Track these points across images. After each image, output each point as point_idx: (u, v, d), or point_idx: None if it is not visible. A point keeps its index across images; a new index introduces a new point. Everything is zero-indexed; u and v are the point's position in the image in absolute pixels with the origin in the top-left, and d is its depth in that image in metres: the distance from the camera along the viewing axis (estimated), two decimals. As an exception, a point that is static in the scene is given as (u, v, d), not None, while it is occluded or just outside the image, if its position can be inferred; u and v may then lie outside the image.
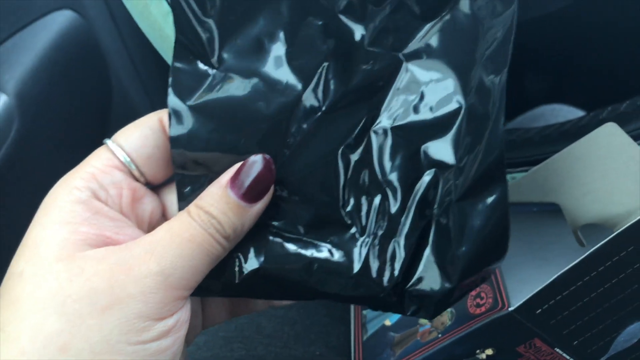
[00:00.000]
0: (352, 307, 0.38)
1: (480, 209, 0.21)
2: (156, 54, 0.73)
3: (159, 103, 0.72)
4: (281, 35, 0.22)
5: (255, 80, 0.22)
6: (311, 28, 0.22)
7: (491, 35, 0.22)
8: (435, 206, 0.21)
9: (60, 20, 0.53)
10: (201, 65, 0.22)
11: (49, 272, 0.19)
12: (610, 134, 0.27)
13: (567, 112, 0.48)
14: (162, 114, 0.22)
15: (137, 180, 0.22)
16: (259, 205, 0.21)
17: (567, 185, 0.30)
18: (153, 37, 0.30)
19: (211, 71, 0.22)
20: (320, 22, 0.22)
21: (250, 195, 0.20)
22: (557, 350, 0.28)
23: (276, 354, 0.35)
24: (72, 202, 0.20)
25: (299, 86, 0.22)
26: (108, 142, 0.21)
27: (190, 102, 0.22)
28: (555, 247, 0.29)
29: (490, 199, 0.21)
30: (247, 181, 0.20)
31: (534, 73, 0.63)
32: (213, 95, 0.22)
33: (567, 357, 0.28)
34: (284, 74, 0.22)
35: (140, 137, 0.21)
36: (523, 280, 0.28)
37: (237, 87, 0.22)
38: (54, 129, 0.50)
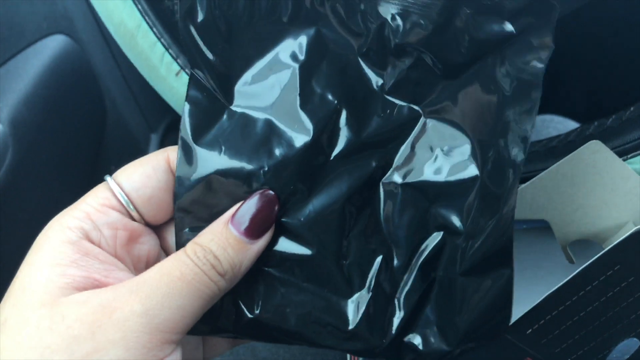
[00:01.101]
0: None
1: (484, 288, 0.21)
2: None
3: (155, 124, 0.72)
4: (296, 75, 0.21)
5: (266, 121, 0.21)
6: (327, 71, 0.21)
7: (515, 110, 0.20)
8: (440, 270, 0.21)
9: (53, 45, 0.54)
10: (215, 102, 0.21)
11: (30, 320, 0.18)
12: (594, 151, 0.27)
13: (558, 123, 0.48)
14: (169, 152, 0.21)
15: (135, 220, 0.21)
16: (260, 243, 0.20)
17: (556, 202, 0.30)
18: (140, 66, 0.31)
19: (224, 108, 0.21)
20: (337, 66, 0.21)
21: (251, 230, 0.20)
22: (550, 368, 0.28)
23: (272, 377, 0.35)
24: (63, 242, 0.19)
25: (310, 130, 0.21)
26: (108, 179, 0.21)
27: (201, 142, 0.21)
28: (545, 265, 0.29)
29: (494, 281, 0.21)
30: (249, 216, 0.20)
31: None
32: (224, 135, 0.21)
33: (560, 376, 0.28)
34: (296, 116, 0.21)
35: (142, 177, 0.21)
36: (514, 299, 0.28)
37: (249, 127, 0.21)
38: (49, 155, 0.50)
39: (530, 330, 0.26)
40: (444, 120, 0.21)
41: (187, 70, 0.30)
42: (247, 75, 0.21)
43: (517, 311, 0.26)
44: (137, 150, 0.69)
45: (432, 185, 0.21)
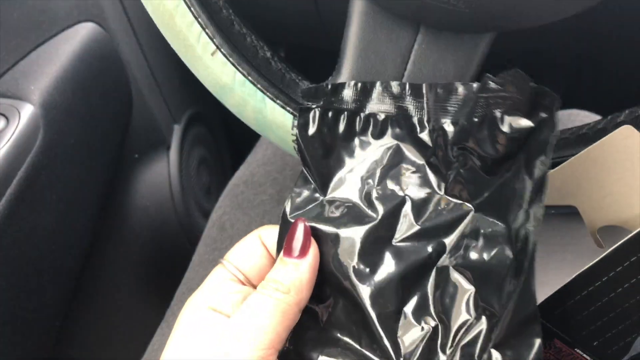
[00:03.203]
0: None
1: (516, 357, 0.22)
2: (176, 67, 0.74)
3: (178, 115, 0.73)
4: (377, 175, 0.27)
5: (348, 208, 0.27)
6: (400, 172, 0.27)
7: (533, 198, 0.23)
8: (478, 348, 0.23)
9: (83, 32, 0.55)
10: (313, 193, 0.28)
11: None
12: (626, 136, 0.28)
13: (584, 117, 0.48)
14: (261, 232, 0.28)
15: (244, 284, 0.27)
16: (308, 259, 0.26)
17: (585, 188, 0.30)
18: (177, 46, 0.31)
19: (319, 198, 0.28)
20: (408, 170, 0.27)
21: (295, 249, 0.26)
22: (577, 350, 0.28)
23: None
24: (196, 320, 0.26)
25: (378, 217, 0.26)
26: (224, 262, 0.28)
27: (293, 217, 0.27)
28: (573, 249, 0.29)
29: (526, 351, 0.22)
30: (290, 240, 0.26)
31: (549, 78, 0.64)
32: (312, 213, 0.27)
33: (588, 358, 0.28)
34: (371, 202, 0.27)
35: (245, 253, 0.28)
36: (542, 282, 0.28)
37: (333, 212, 0.27)
38: (77, 138, 0.51)
39: (558, 311, 0.26)
40: (487, 211, 0.25)
41: (222, 49, 0.31)
42: (340, 174, 0.28)
43: (546, 292, 0.27)
44: (160, 141, 0.70)
45: (477, 269, 0.24)
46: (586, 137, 0.30)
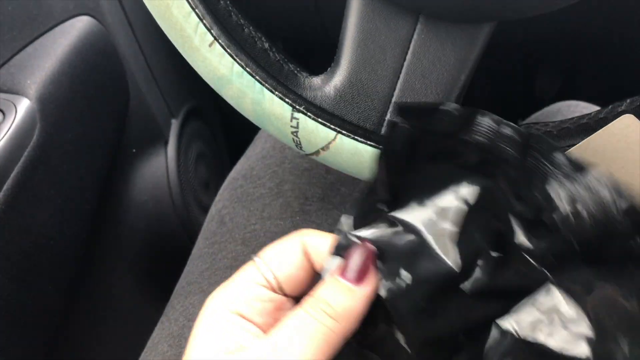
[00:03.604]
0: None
1: None
2: (173, 61, 0.73)
3: (176, 109, 0.73)
4: (462, 214, 0.24)
5: (415, 238, 0.24)
6: (484, 219, 0.24)
7: None
8: None
9: (79, 26, 0.54)
10: (382, 207, 0.25)
11: None
12: (627, 125, 0.27)
13: (584, 108, 0.48)
14: (304, 236, 0.25)
15: (277, 293, 0.24)
16: (366, 288, 0.23)
17: (585, 178, 0.30)
18: (174, 37, 0.31)
19: (387, 216, 0.24)
20: (496, 217, 0.24)
21: (354, 272, 0.23)
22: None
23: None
24: (220, 320, 0.23)
25: (459, 264, 0.24)
26: (257, 260, 0.25)
27: (355, 232, 0.24)
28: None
29: None
30: (350, 264, 0.23)
31: (548, 69, 0.64)
32: (375, 233, 0.24)
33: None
34: (449, 247, 0.24)
35: (282, 257, 0.25)
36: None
37: (397, 235, 0.24)
38: (75, 132, 0.51)
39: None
40: (572, 296, 0.23)
41: (220, 40, 0.30)
42: (418, 198, 0.24)
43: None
44: (158, 135, 0.70)
45: (541, 349, 0.23)
46: (587, 126, 0.30)
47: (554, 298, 0.23)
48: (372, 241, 0.24)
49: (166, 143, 0.70)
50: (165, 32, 0.31)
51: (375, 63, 0.30)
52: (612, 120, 0.28)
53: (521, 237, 0.24)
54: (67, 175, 0.49)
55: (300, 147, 0.33)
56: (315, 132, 0.31)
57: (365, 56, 0.30)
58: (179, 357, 0.42)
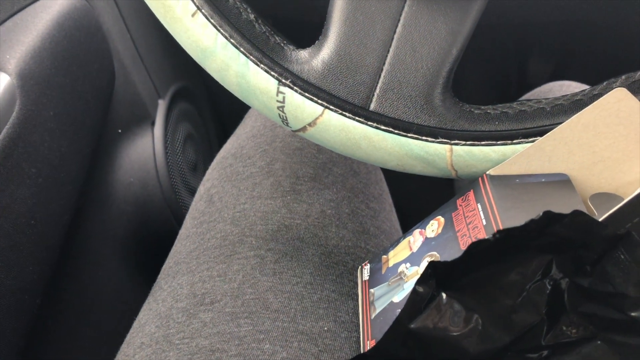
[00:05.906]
0: (359, 284, 0.37)
1: None
2: (160, 40, 0.72)
3: (163, 89, 0.72)
4: (516, 288, 0.23)
5: (473, 318, 0.23)
6: (544, 286, 0.24)
7: None
8: None
9: (61, 1, 0.53)
10: (432, 293, 0.24)
11: None
12: (619, 99, 0.27)
13: (576, 88, 0.47)
14: None
15: None
16: None
17: (576, 155, 0.29)
18: (156, 7, 0.30)
19: (440, 296, 0.23)
20: (550, 285, 0.23)
21: None
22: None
23: (283, 329, 0.35)
24: None
25: (507, 338, 0.23)
26: None
27: (411, 325, 0.23)
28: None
29: None
30: None
31: (540, 50, 0.63)
32: (431, 321, 0.23)
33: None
34: (497, 324, 0.23)
35: None
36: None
37: (454, 318, 0.23)
38: (57, 110, 0.49)
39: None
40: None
41: (203, 10, 0.29)
42: (473, 276, 0.24)
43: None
44: (144, 115, 0.68)
45: None
46: (581, 103, 0.29)
47: (598, 350, 0.23)
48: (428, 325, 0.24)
49: (153, 124, 0.69)
50: (147, 1, 0.30)
51: (364, 36, 0.29)
52: (605, 95, 0.28)
53: (575, 298, 0.24)
54: (48, 154, 0.48)
55: (287, 123, 0.32)
56: (302, 107, 0.31)
57: (354, 28, 0.29)
58: (167, 338, 0.42)
